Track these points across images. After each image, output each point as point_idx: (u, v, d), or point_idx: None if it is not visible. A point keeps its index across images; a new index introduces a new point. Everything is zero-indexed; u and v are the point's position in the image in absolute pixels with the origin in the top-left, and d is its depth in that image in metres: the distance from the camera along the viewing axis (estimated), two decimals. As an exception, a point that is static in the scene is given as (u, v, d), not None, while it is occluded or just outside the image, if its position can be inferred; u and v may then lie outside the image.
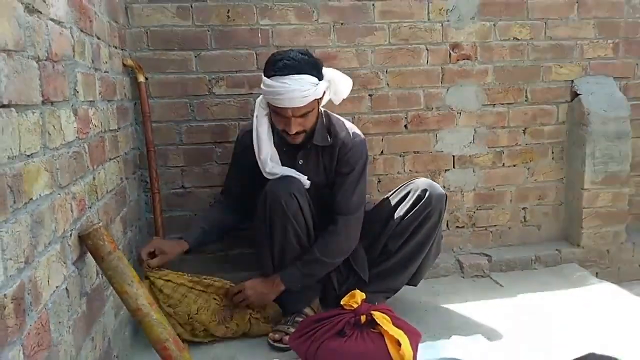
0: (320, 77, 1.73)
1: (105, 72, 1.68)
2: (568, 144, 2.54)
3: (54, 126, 1.11)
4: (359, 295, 1.55)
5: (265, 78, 1.72)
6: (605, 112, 2.42)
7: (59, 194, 1.11)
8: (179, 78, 2.19)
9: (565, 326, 1.85)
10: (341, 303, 1.56)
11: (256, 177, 1.82)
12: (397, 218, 1.90)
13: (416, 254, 1.89)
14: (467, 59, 2.40)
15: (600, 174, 2.46)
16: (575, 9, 2.45)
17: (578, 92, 2.47)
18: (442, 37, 2.36)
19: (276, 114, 1.75)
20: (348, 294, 1.57)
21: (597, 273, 2.47)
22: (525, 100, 2.49)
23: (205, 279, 1.84)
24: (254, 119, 1.82)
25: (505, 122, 2.49)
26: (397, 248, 1.89)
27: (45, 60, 1.07)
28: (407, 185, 1.95)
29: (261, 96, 1.81)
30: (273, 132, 1.83)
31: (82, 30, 1.38)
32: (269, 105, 1.77)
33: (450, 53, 2.38)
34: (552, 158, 2.56)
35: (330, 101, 1.87)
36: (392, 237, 1.90)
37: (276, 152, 1.82)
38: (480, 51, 2.40)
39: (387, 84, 2.35)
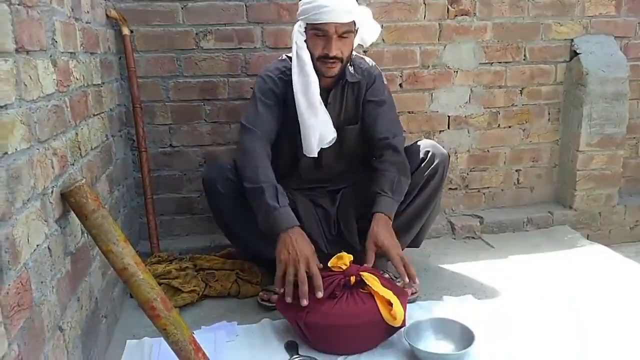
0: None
1: (87, 22, 1.59)
2: (565, 105, 2.50)
3: (30, 77, 1.04)
4: (347, 257, 1.52)
5: None
6: (604, 73, 2.36)
7: (37, 148, 1.06)
8: (165, 31, 2.10)
9: (554, 286, 1.85)
10: (329, 265, 1.53)
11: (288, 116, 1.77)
12: None
13: (419, 214, 1.85)
14: (466, 15, 2.32)
15: (596, 136, 2.42)
16: (578, -37, 2.36)
17: (577, 51, 2.40)
18: (440, -9, 2.27)
19: (316, 35, 1.68)
20: (335, 256, 1.54)
21: (588, 235, 2.47)
22: (524, 59, 2.42)
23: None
24: (294, 46, 1.72)
25: (503, 82, 2.43)
26: (402, 210, 1.84)
27: (18, 4, 1.00)
28: (410, 147, 1.90)
29: (298, 22, 1.72)
30: None
31: (59, -25, 1.29)
32: (306, 29, 1.70)
33: (448, 8, 2.29)
34: (548, 119, 2.52)
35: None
36: None
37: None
38: (479, 6, 2.32)
39: (383, 40, 2.26)
